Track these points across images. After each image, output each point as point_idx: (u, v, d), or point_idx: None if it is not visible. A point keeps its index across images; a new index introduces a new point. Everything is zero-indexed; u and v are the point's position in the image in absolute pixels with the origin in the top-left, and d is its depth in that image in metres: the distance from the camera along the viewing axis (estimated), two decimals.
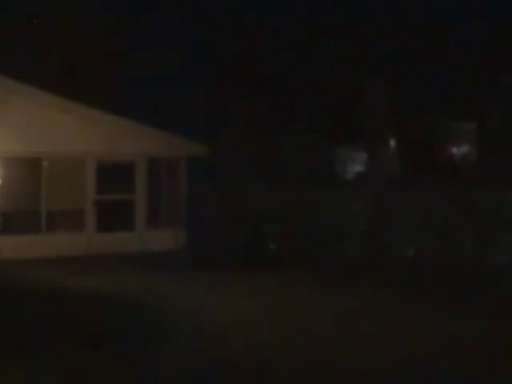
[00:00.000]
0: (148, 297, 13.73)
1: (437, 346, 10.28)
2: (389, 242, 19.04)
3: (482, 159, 24.27)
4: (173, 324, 11.47)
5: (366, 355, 9.68)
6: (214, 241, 19.73)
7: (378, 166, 24.11)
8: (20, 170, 19.10)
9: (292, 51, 25.79)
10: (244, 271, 16.88)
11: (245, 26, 25.90)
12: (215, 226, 20.51)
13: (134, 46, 26.66)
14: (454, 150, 25.70)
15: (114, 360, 9.42)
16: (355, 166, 26.84)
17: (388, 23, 24.75)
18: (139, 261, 18.56)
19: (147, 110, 22.59)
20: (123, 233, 20.02)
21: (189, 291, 14.38)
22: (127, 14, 26.94)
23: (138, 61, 26.13)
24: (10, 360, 9.38)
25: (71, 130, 19.35)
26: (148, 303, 13.17)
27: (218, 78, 25.47)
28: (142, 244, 19.95)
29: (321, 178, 23.40)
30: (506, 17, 23.68)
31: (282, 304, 13.19)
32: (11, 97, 18.27)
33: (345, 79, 24.79)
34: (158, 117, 21.61)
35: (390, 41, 24.56)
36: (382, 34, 24.58)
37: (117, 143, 20.01)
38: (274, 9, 25.96)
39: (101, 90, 24.17)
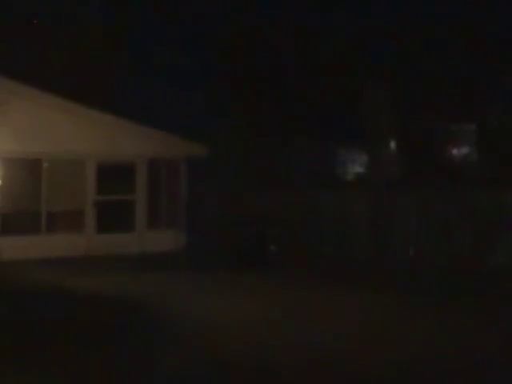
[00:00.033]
0: (148, 298, 13.72)
1: (437, 346, 10.27)
2: (389, 242, 19.04)
3: (482, 160, 24.27)
4: (172, 325, 11.47)
5: (367, 356, 9.68)
6: (214, 242, 19.73)
7: (378, 167, 24.13)
8: (20, 170, 19.10)
9: (292, 52, 25.78)
10: (244, 272, 16.87)
11: (245, 25, 25.89)
12: (215, 227, 20.51)
13: (134, 47, 26.66)
14: (454, 151, 25.70)
15: (114, 361, 9.42)
16: (355, 167, 26.84)
17: (388, 24, 24.75)
18: (139, 262, 18.56)
19: (147, 111, 22.58)
20: (123, 234, 20.02)
21: (189, 292, 14.37)
22: (127, 14, 26.94)
23: (138, 61, 26.14)
24: (10, 360, 9.38)
25: (71, 131, 19.35)
26: (148, 304, 13.17)
27: (218, 79, 25.46)
28: (142, 245, 19.95)
29: (321, 178, 23.39)
30: (507, 17, 23.67)
31: (283, 305, 13.18)
32: (11, 97, 18.25)
33: (345, 80, 24.78)
34: (159, 117, 21.58)
35: (390, 42, 24.55)
36: (381, 34, 24.57)
37: (117, 144, 20.02)
38: (275, 9, 25.96)
39: (101, 91, 24.15)
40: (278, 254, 19.77)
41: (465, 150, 25.77)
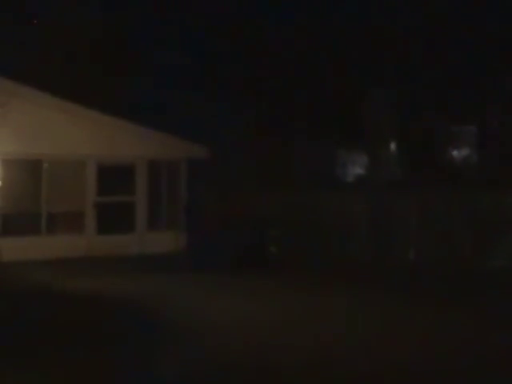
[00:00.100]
0: (148, 299, 13.72)
1: (437, 347, 10.28)
2: (389, 243, 19.04)
3: (482, 161, 24.27)
4: (173, 326, 11.47)
5: (366, 356, 9.68)
6: (215, 243, 19.71)
7: (379, 168, 24.13)
8: (20, 171, 19.08)
9: (293, 54, 25.79)
10: (244, 273, 16.87)
11: (247, 28, 25.89)
12: (215, 228, 20.49)
13: (134, 47, 26.66)
14: (455, 153, 25.70)
15: (114, 361, 9.42)
16: (356, 168, 26.84)
17: (388, 25, 24.76)
18: (139, 263, 18.55)
19: (148, 112, 22.59)
20: (123, 235, 20.01)
21: (189, 293, 14.38)
22: (127, 14, 26.94)
23: (138, 61, 26.14)
24: (10, 361, 9.38)
25: (72, 132, 19.34)
26: (148, 305, 13.17)
27: (219, 80, 25.46)
28: (142, 246, 19.94)
29: (321, 179, 23.40)
30: (507, 17, 23.67)
31: (283, 306, 13.19)
32: (11, 98, 18.24)
33: (345, 82, 24.79)
34: (159, 118, 21.59)
35: (390, 44, 24.55)
36: (382, 36, 24.57)
37: (117, 145, 20.02)
38: (277, 12, 25.99)
39: (101, 92, 24.15)
40: (279, 254, 19.77)
41: (465, 152, 25.78)
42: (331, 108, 25.03)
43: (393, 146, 25.78)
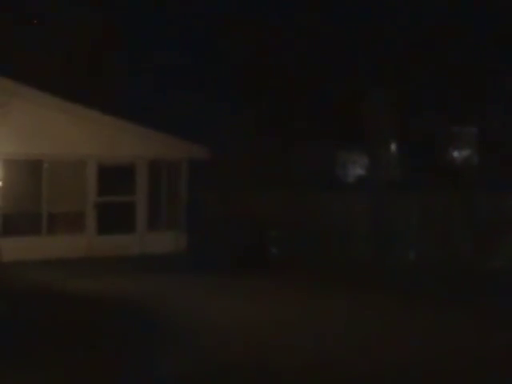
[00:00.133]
0: (148, 299, 13.73)
1: (437, 347, 10.28)
2: (389, 243, 19.05)
3: (482, 163, 24.26)
4: (173, 326, 11.48)
5: (366, 357, 9.69)
6: (215, 243, 19.71)
7: (379, 169, 24.12)
8: (21, 171, 19.08)
9: (293, 54, 25.78)
10: (245, 274, 16.88)
11: (247, 28, 25.89)
12: (216, 229, 20.49)
13: (134, 47, 26.66)
14: (455, 154, 25.69)
15: (114, 361, 9.43)
16: (356, 168, 26.82)
17: (388, 24, 24.75)
18: (140, 263, 18.56)
19: (148, 112, 22.58)
20: (124, 235, 20.01)
21: (189, 294, 14.39)
22: (128, 15, 26.94)
23: (138, 61, 26.13)
24: (10, 361, 9.38)
25: (72, 132, 19.34)
26: (148, 305, 13.17)
27: (219, 80, 25.46)
28: (143, 246, 19.95)
29: (322, 180, 23.38)
30: (507, 17, 23.66)
31: (283, 306, 13.19)
32: (11, 98, 18.25)
33: (345, 82, 24.78)
34: (159, 118, 21.58)
35: (390, 44, 24.55)
36: (382, 37, 24.57)
37: (118, 145, 20.02)
38: (277, 12, 25.96)
39: (101, 91, 24.15)
40: (279, 255, 19.77)
41: (465, 152, 25.76)
42: (331, 108, 25.01)
43: (393, 146, 25.77)
